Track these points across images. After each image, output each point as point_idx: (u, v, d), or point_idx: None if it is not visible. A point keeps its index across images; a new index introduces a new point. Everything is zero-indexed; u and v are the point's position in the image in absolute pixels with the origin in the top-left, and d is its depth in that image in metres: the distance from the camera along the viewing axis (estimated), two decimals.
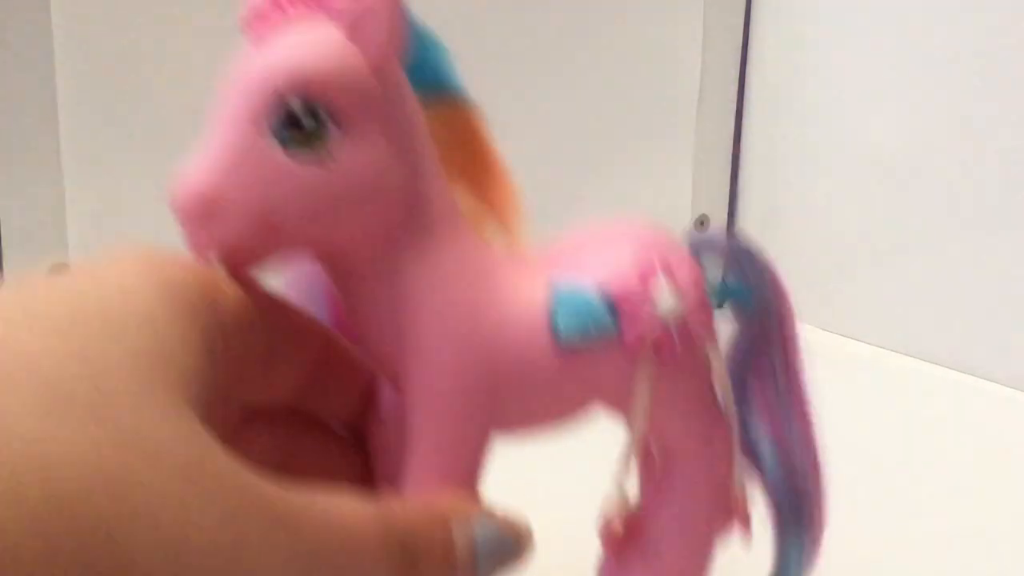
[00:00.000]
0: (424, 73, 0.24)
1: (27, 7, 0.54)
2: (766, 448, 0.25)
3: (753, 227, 0.78)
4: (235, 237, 0.21)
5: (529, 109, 0.68)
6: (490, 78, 0.67)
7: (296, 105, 0.21)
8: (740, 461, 0.25)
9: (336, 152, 0.21)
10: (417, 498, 0.23)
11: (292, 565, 0.18)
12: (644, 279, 0.23)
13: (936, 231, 0.64)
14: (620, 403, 0.24)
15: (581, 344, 0.23)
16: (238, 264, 0.22)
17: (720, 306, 0.25)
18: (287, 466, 0.22)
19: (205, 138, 0.22)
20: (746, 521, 0.26)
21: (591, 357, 0.23)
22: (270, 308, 0.23)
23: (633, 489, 0.26)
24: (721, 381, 0.25)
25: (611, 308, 0.23)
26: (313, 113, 0.21)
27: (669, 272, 0.23)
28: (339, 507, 0.20)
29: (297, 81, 0.21)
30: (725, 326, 0.25)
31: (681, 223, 0.77)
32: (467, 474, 0.23)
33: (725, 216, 0.79)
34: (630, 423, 0.24)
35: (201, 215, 0.22)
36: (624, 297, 0.23)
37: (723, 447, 0.25)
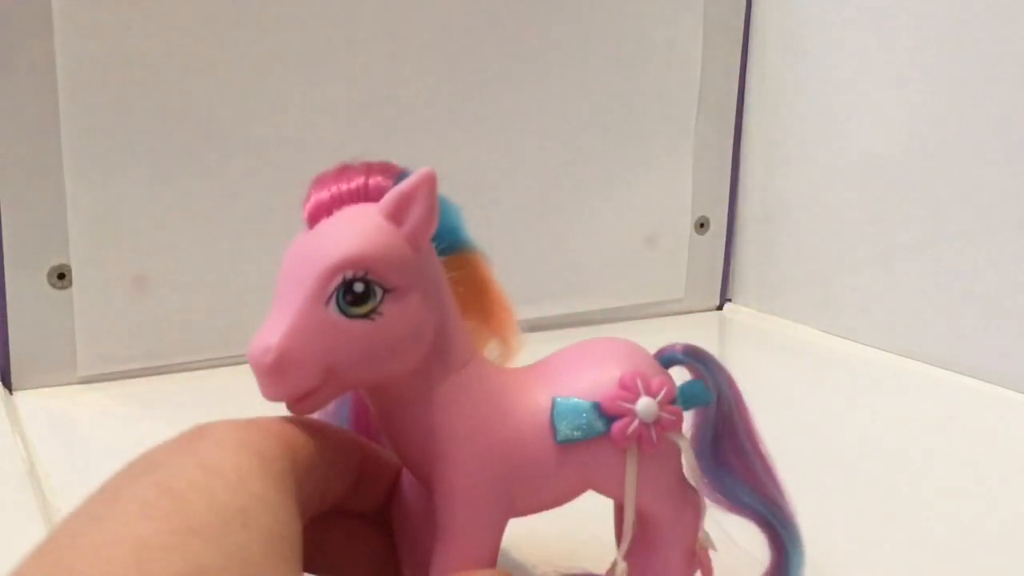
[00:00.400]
0: (443, 233, 0.30)
1: (29, 13, 0.54)
2: (753, 499, 0.33)
3: (753, 229, 0.78)
4: (302, 387, 0.27)
5: (529, 111, 0.68)
6: (491, 80, 0.67)
7: (351, 278, 0.27)
8: (704, 523, 0.32)
9: (383, 310, 0.27)
10: None
11: None
12: (629, 391, 0.30)
13: (936, 233, 0.64)
14: (609, 486, 0.31)
15: (576, 441, 0.30)
16: (302, 406, 0.27)
17: (686, 408, 0.31)
18: (321, 552, 0.29)
19: (275, 307, 0.28)
20: (708, 570, 0.33)
21: (585, 452, 0.30)
22: (322, 438, 0.28)
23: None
24: (689, 462, 0.31)
25: (600, 414, 0.30)
26: (365, 283, 0.27)
27: (647, 385, 0.30)
28: None
29: (353, 261, 0.27)
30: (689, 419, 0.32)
31: (682, 225, 0.77)
32: (489, 554, 0.29)
33: (725, 218, 0.79)
34: (625, 501, 0.30)
35: (275, 371, 0.26)
36: (613, 406, 0.30)
37: (693, 513, 0.32)
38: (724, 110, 0.76)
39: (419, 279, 0.28)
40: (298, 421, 0.28)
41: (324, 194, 0.29)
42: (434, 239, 0.29)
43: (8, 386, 0.57)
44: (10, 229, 0.56)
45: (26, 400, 0.56)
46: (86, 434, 0.54)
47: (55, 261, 0.57)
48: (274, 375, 0.26)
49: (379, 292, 0.27)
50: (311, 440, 0.27)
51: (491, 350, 0.32)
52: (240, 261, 0.61)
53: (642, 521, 0.31)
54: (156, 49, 0.57)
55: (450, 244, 0.30)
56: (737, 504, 0.33)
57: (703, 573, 0.33)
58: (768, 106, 0.76)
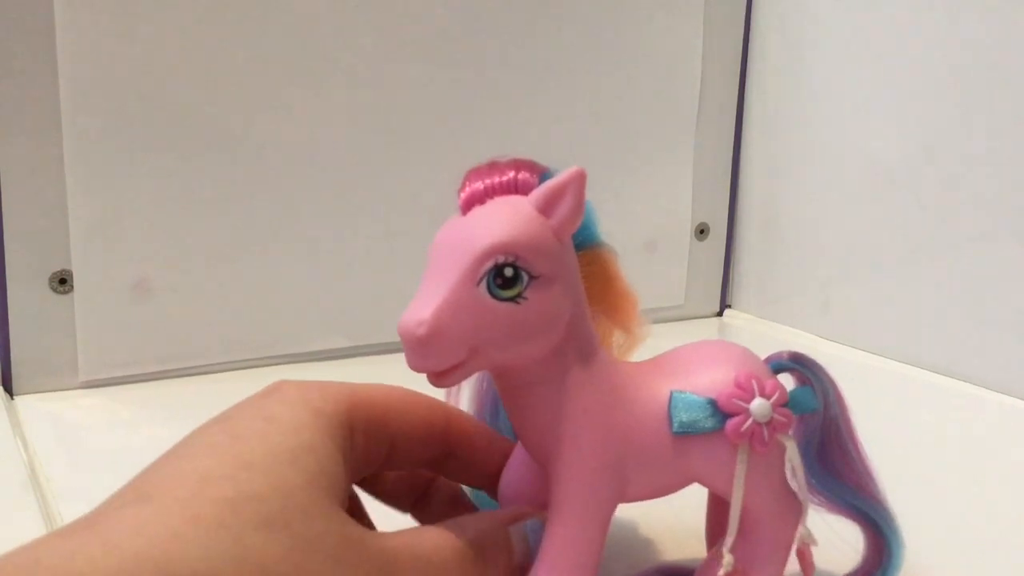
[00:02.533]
0: (581, 232, 0.32)
1: (31, 18, 0.54)
2: (857, 499, 0.35)
3: (753, 236, 0.78)
4: (448, 361, 0.29)
5: (530, 116, 0.69)
6: (490, 86, 0.67)
7: (502, 262, 0.29)
8: (804, 521, 0.34)
9: (528, 295, 0.29)
10: (482, 514, 0.32)
11: None
12: (744, 391, 0.32)
13: (935, 240, 0.64)
14: (716, 481, 0.32)
15: (691, 434, 0.31)
16: (443, 380, 0.30)
17: (797, 413, 0.33)
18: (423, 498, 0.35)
19: (426, 283, 0.29)
20: (810, 567, 0.34)
21: (699, 445, 0.31)
22: (394, 406, 0.32)
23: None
24: (794, 463, 0.33)
25: (716, 410, 0.31)
26: (515, 268, 0.29)
27: (761, 387, 0.32)
28: (428, 539, 0.29)
29: (506, 247, 0.29)
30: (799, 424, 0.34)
31: (682, 231, 0.77)
32: (599, 534, 0.31)
33: (725, 224, 0.79)
34: (732, 497, 0.32)
35: (425, 345, 0.28)
36: (728, 404, 0.31)
37: (793, 513, 0.33)
38: (724, 117, 0.77)
39: (562, 269, 0.30)
40: (371, 389, 0.32)
41: (479, 184, 0.31)
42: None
43: (9, 391, 0.57)
44: (12, 234, 0.56)
45: (27, 404, 0.56)
46: (87, 439, 0.54)
47: (56, 266, 0.57)
48: (424, 348, 0.28)
49: (526, 278, 0.29)
50: (377, 405, 0.31)
51: (616, 340, 0.35)
52: (241, 266, 0.62)
53: (743, 516, 0.33)
54: (158, 55, 0.58)
55: (584, 239, 0.33)
56: (842, 504, 0.35)
57: (804, 569, 0.34)
58: (768, 113, 0.76)
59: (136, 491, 0.26)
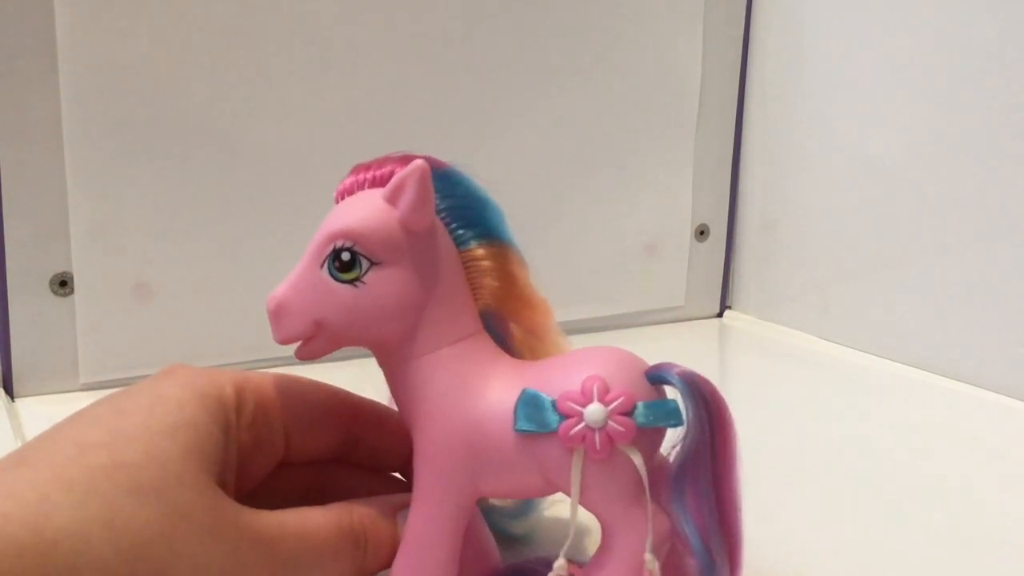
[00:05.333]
0: (476, 221, 0.33)
1: (32, 21, 0.54)
2: (692, 532, 0.32)
3: (753, 237, 0.78)
4: (296, 333, 0.32)
5: (529, 119, 0.69)
6: (491, 90, 0.67)
7: (340, 247, 0.31)
8: (652, 536, 0.31)
9: (367, 279, 0.32)
10: (376, 499, 0.33)
11: (272, 565, 0.29)
12: (583, 395, 0.31)
13: (935, 240, 0.65)
14: (562, 483, 0.32)
15: (531, 433, 0.31)
16: (302, 352, 0.32)
17: (645, 425, 0.31)
18: (323, 495, 0.33)
19: (293, 270, 0.32)
20: None
21: (539, 445, 0.31)
22: (292, 395, 0.34)
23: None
24: (640, 474, 0.31)
25: (555, 411, 0.31)
26: (352, 253, 0.31)
27: (603, 392, 0.31)
28: (308, 518, 0.31)
29: (344, 233, 0.31)
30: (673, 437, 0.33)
31: (682, 233, 0.77)
32: (452, 522, 0.32)
33: (725, 226, 0.79)
34: (571, 496, 0.31)
35: (274, 317, 0.32)
36: (563, 406, 0.31)
37: (640, 524, 0.32)
38: (724, 118, 0.77)
39: (407, 258, 0.32)
40: (264, 376, 0.34)
41: (350, 179, 0.33)
42: (466, 224, 0.33)
43: (10, 393, 0.57)
44: (12, 236, 0.56)
45: (28, 407, 0.56)
46: None
47: (57, 269, 0.57)
48: (275, 320, 0.32)
49: (364, 263, 0.31)
50: (267, 391, 0.33)
51: (535, 349, 0.35)
52: (241, 269, 0.62)
53: (602, 526, 0.32)
54: (158, 58, 0.58)
55: (483, 233, 0.33)
56: (682, 535, 0.33)
57: None
58: (768, 114, 0.76)
59: (15, 458, 0.27)
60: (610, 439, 0.31)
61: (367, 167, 0.33)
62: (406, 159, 0.32)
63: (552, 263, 0.73)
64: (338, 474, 0.36)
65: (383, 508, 0.33)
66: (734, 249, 0.80)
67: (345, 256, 0.31)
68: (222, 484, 0.29)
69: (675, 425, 0.32)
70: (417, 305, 0.32)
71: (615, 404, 0.31)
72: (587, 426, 0.31)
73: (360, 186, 0.33)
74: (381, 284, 0.32)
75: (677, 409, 0.32)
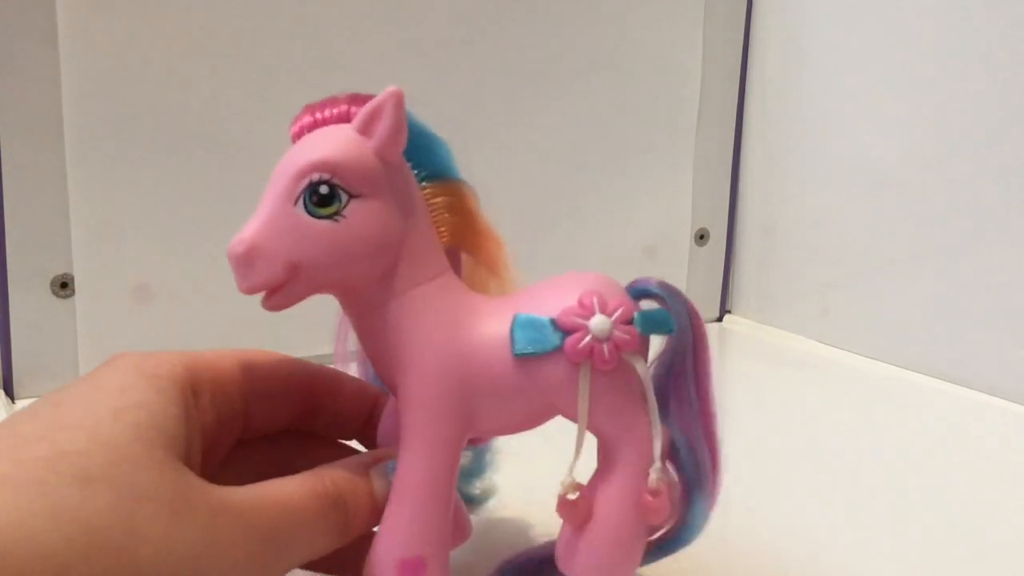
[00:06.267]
0: (427, 159, 0.32)
1: (34, 24, 0.54)
2: (679, 439, 0.33)
3: (752, 241, 0.78)
4: (270, 279, 0.29)
5: (530, 123, 0.69)
6: (491, 93, 0.67)
7: (317, 180, 0.29)
8: (659, 446, 0.32)
9: (347, 213, 0.29)
10: (345, 460, 0.31)
11: (252, 546, 0.27)
12: (584, 308, 0.31)
13: (934, 245, 0.65)
14: (567, 405, 0.31)
15: (532, 354, 0.30)
16: (274, 301, 0.30)
17: (645, 333, 0.31)
18: (286, 468, 0.31)
19: (256, 211, 0.30)
20: (660, 506, 0.32)
21: (542, 367, 0.30)
22: (248, 367, 0.32)
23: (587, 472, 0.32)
24: (644, 382, 0.31)
25: (556, 328, 0.30)
26: (330, 186, 0.29)
27: (603, 304, 0.31)
28: (282, 488, 0.29)
29: (319, 164, 0.29)
30: (655, 349, 0.33)
31: (681, 236, 0.77)
32: (448, 467, 0.31)
33: (725, 230, 0.79)
34: (578, 417, 0.31)
35: (245, 262, 0.29)
36: (566, 322, 0.30)
37: (645, 434, 0.32)
38: (724, 122, 0.77)
39: (386, 189, 0.30)
40: (214, 353, 0.32)
41: (308, 118, 0.31)
42: (417, 163, 0.32)
43: (11, 395, 0.57)
44: (13, 238, 0.56)
45: None
46: None
47: (58, 270, 0.57)
48: (244, 266, 0.29)
49: (344, 196, 0.29)
50: (220, 366, 0.31)
51: (486, 284, 0.34)
52: None
53: (601, 443, 0.32)
54: (159, 60, 0.58)
55: (434, 171, 0.32)
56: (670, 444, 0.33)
57: (654, 508, 0.32)
58: (768, 118, 0.76)
59: None
60: (617, 349, 0.30)
61: (320, 107, 0.32)
62: (356, 97, 0.31)
63: (552, 266, 0.73)
64: (298, 447, 0.34)
65: (354, 468, 0.31)
66: (734, 253, 0.80)
67: (323, 189, 0.29)
68: (188, 464, 0.27)
69: (668, 332, 0.32)
70: (397, 239, 0.30)
71: (617, 314, 0.31)
72: (594, 338, 0.30)
73: (320, 124, 0.31)
74: (362, 217, 0.29)
75: (670, 317, 0.32)
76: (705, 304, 0.79)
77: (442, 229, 0.32)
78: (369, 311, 0.31)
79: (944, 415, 0.61)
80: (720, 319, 0.80)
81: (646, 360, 0.32)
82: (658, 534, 0.34)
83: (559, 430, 0.32)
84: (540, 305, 0.31)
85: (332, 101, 0.31)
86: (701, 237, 0.78)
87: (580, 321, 0.30)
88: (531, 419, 0.32)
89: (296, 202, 0.29)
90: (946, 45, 0.63)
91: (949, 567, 0.42)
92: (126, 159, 0.58)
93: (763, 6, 0.75)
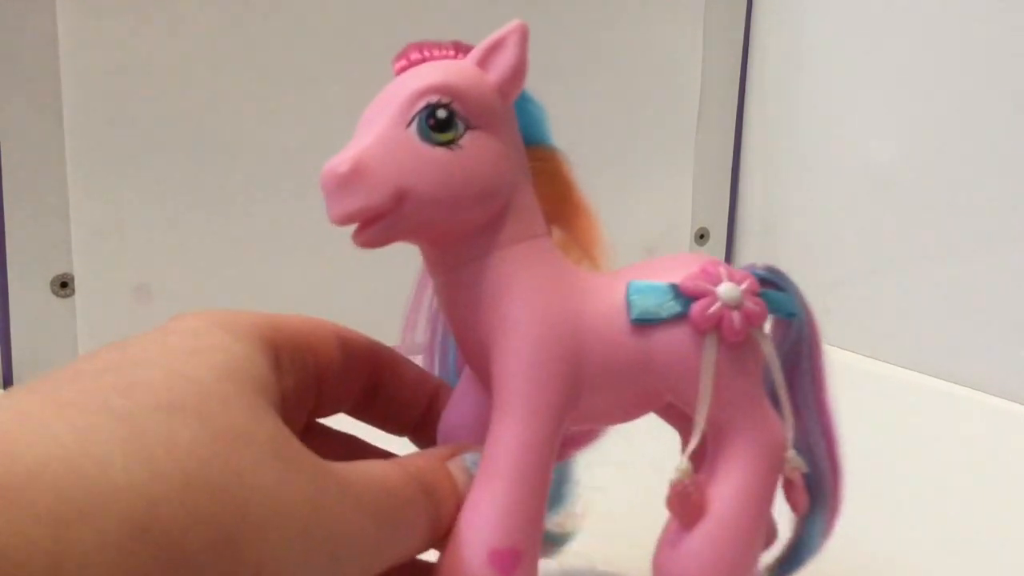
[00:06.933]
0: (527, 123, 0.30)
1: (34, 26, 0.54)
2: (796, 441, 0.30)
3: (753, 241, 0.78)
4: (372, 203, 0.26)
5: None
6: None
7: (436, 103, 0.26)
8: (791, 430, 0.29)
9: (464, 144, 0.27)
10: (419, 452, 0.28)
11: (361, 511, 0.23)
12: (709, 275, 0.28)
13: (933, 245, 0.65)
14: (683, 381, 0.28)
15: (652, 320, 0.27)
16: (369, 233, 0.26)
17: (774, 311, 0.29)
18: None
19: (355, 136, 0.27)
20: (799, 495, 0.30)
21: (662, 337, 0.27)
22: (315, 332, 0.28)
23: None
24: (771, 361, 0.29)
25: (679, 294, 0.28)
26: (449, 111, 0.26)
27: (730, 274, 0.28)
28: (376, 469, 0.25)
29: (440, 87, 0.27)
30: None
31: (682, 236, 0.77)
32: (547, 444, 0.27)
33: (725, 229, 0.79)
34: (699, 395, 0.28)
35: (347, 182, 0.26)
36: (693, 286, 0.28)
37: (769, 420, 0.29)
38: (724, 122, 0.77)
39: (503, 127, 0.28)
40: (290, 316, 0.28)
41: (415, 54, 0.29)
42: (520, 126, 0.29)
43: None
44: (13, 238, 0.56)
45: None
46: None
47: (58, 270, 0.57)
48: (346, 187, 0.26)
49: (461, 125, 0.27)
50: (301, 331, 0.28)
51: (578, 264, 0.31)
52: (241, 270, 0.62)
53: (713, 433, 0.28)
54: (159, 60, 0.58)
55: (533, 136, 0.30)
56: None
57: (793, 502, 0.30)
58: (768, 118, 0.76)
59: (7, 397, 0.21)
60: (748, 320, 0.28)
61: (427, 45, 0.29)
62: (460, 44, 0.29)
63: None
64: (354, 451, 0.31)
65: (430, 460, 0.27)
66: (734, 252, 0.80)
67: (441, 113, 0.26)
68: (280, 414, 0.24)
69: (790, 315, 0.30)
70: (510, 184, 0.28)
71: (746, 284, 0.28)
72: (724, 305, 0.27)
73: (428, 59, 0.29)
74: (479, 150, 0.27)
75: (793, 300, 0.30)
76: None
77: (539, 196, 0.29)
78: (466, 264, 0.28)
79: (944, 414, 0.61)
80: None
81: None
82: (772, 552, 0.31)
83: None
84: (653, 276, 0.28)
85: (437, 44, 0.29)
86: (701, 236, 0.78)
87: (707, 286, 0.28)
88: (637, 405, 0.29)
89: (409, 125, 0.26)
90: (946, 44, 0.63)
91: (948, 565, 0.42)
92: (126, 159, 0.58)
93: (763, 6, 0.75)
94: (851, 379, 0.69)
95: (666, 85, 0.74)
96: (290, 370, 0.26)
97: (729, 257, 0.79)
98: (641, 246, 0.75)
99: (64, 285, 0.57)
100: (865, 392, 0.65)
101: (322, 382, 0.28)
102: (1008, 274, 0.60)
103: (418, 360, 0.32)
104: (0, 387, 0.57)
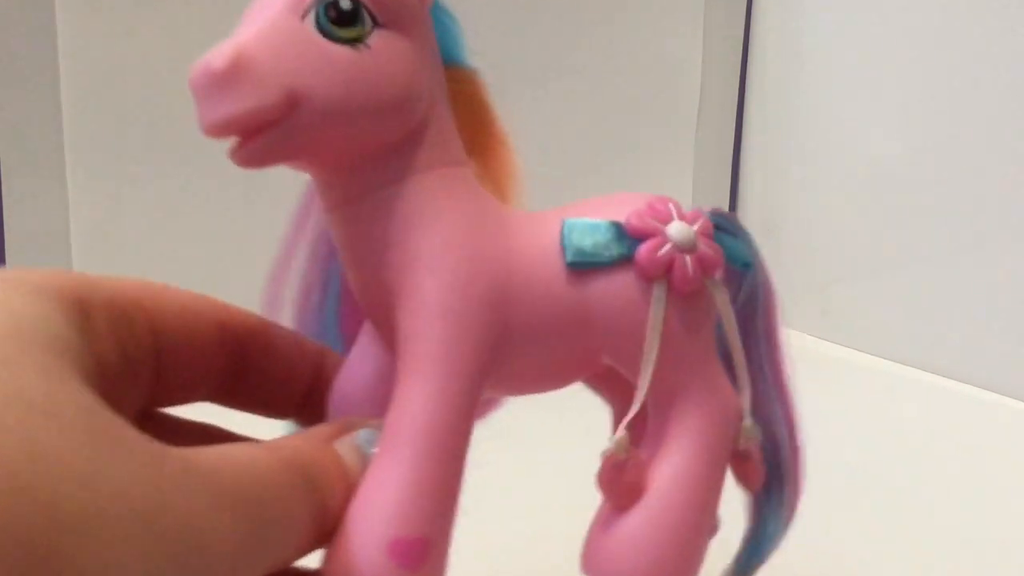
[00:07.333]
0: (443, 41, 0.25)
1: (33, 21, 0.54)
2: (759, 417, 0.26)
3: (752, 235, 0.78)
4: (258, 104, 0.21)
5: (529, 118, 0.69)
6: (490, 86, 0.67)
7: None
8: (747, 398, 0.25)
9: (372, 43, 0.22)
10: (300, 432, 0.23)
11: (217, 504, 0.18)
12: (658, 213, 0.24)
13: (933, 240, 0.65)
14: (625, 337, 0.23)
15: (591, 262, 0.23)
16: (252, 147, 0.22)
17: (729, 260, 0.25)
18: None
19: (238, 29, 0.22)
20: (754, 471, 0.26)
21: (602, 284, 0.23)
22: (155, 298, 0.23)
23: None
24: (726, 316, 0.25)
25: (623, 234, 0.24)
26: (354, 2, 0.22)
27: (680, 212, 0.24)
28: (239, 453, 0.20)
29: None
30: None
31: None
32: (468, 403, 0.22)
33: None
34: (644, 352, 0.23)
35: (229, 76, 0.21)
36: (639, 224, 0.23)
37: (720, 385, 0.25)
38: (724, 118, 0.77)
39: (419, 32, 0.23)
40: (119, 278, 0.23)
41: None
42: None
43: None
44: (13, 235, 0.56)
45: None
46: None
47: (57, 267, 0.57)
48: (224, 85, 0.21)
49: (369, 21, 0.22)
50: (126, 291, 0.22)
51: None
52: (242, 266, 0.62)
53: (661, 400, 0.24)
54: (159, 59, 0.58)
55: (448, 53, 0.25)
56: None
57: (745, 479, 0.26)
58: (768, 116, 0.76)
59: None
60: (702, 266, 0.24)
61: None
62: None
63: None
64: (223, 438, 0.25)
65: (312, 441, 0.22)
66: None
67: (345, 4, 0.21)
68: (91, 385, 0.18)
69: (747, 268, 0.26)
70: (427, 98, 0.23)
71: (699, 224, 0.24)
72: (675, 247, 0.23)
73: None
74: (390, 53, 0.22)
75: (749, 249, 0.26)
76: None
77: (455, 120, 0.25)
78: (371, 193, 0.23)
79: (944, 411, 0.61)
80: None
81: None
82: (725, 546, 0.26)
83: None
84: (592, 213, 0.24)
85: None
86: None
87: (656, 224, 0.23)
88: (568, 368, 0.24)
89: (305, 16, 0.22)
90: (946, 42, 0.63)
91: (947, 563, 0.42)
92: (126, 155, 0.58)
93: (763, 3, 0.75)
94: (850, 375, 0.69)
95: (666, 79, 0.73)
96: (108, 335, 0.21)
97: None
98: None
99: None
100: (864, 389, 0.65)
101: (162, 355, 0.23)
102: (1008, 271, 0.60)
103: (287, 323, 0.27)
104: None
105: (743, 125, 0.77)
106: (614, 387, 0.26)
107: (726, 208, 0.77)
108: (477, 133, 0.26)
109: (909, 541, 0.44)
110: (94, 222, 0.57)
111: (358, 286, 0.24)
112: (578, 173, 0.71)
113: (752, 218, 0.78)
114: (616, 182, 0.74)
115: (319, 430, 0.23)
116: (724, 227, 0.26)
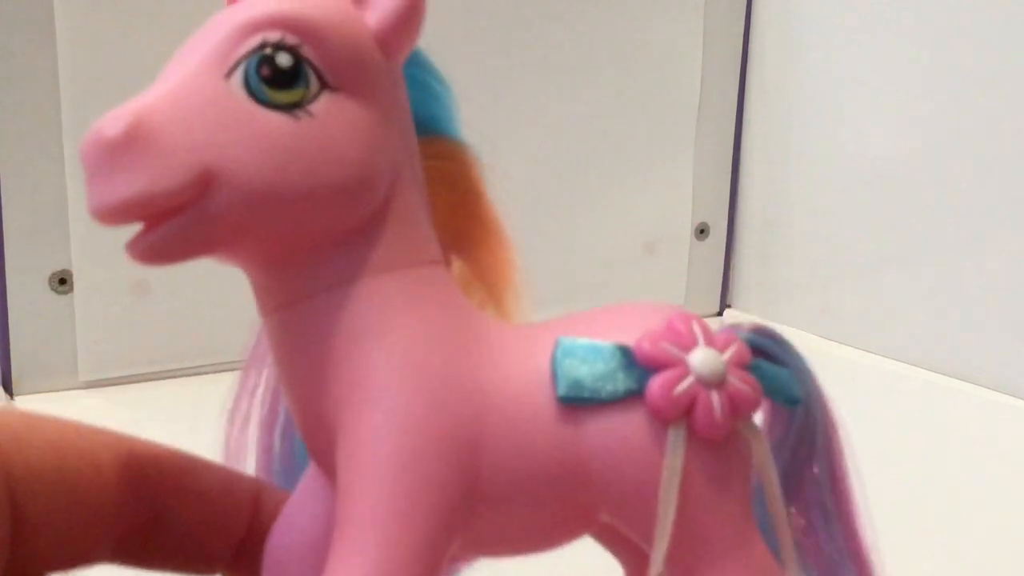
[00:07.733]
0: (427, 108, 0.21)
1: (32, 19, 0.54)
2: (810, 573, 0.21)
3: (753, 236, 0.78)
4: (162, 182, 0.16)
5: (530, 118, 0.69)
6: (490, 87, 0.67)
7: (275, 42, 0.17)
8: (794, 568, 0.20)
9: (316, 109, 0.17)
10: None
11: None
12: (678, 336, 0.19)
13: (934, 239, 0.64)
14: (633, 496, 0.18)
15: (589, 400, 0.18)
16: (156, 238, 0.18)
17: (769, 393, 0.20)
18: None
19: (153, 85, 0.18)
20: None
21: (603, 420, 0.18)
22: (19, 442, 0.18)
23: None
24: (766, 470, 0.19)
25: (632, 362, 0.18)
26: (296, 58, 0.17)
27: (708, 335, 0.19)
28: None
29: (283, 19, 0.17)
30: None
31: (682, 231, 0.77)
32: (427, 551, 0.17)
33: (725, 224, 0.79)
34: (657, 517, 0.18)
35: (125, 148, 0.16)
36: (652, 351, 0.18)
37: (768, 567, 0.19)
38: (724, 116, 0.77)
39: (381, 95, 0.18)
40: (41, 420, 0.19)
41: None
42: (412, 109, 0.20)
43: (9, 391, 0.57)
44: (12, 234, 0.56)
45: (27, 405, 0.56)
46: None
47: (56, 266, 0.57)
48: (119, 157, 0.17)
49: (314, 81, 0.17)
50: (44, 437, 0.19)
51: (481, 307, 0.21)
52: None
53: (677, 562, 0.19)
54: (158, 55, 0.57)
55: (430, 122, 0.21)
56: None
57: None
58: (768, 112, 0.76)
59: None
60: (733, 406, 0.18)
61: None
62: None
63: (552, 262, 0.73)
64: None
65: None
66: (734, 248, 0.79)
67: (283, 60, 0.17)
68: None
69: (794, 404, 0.21)
70: (386, 178, 0.18)
71: (731, 351, 0.19)
72: (699, 380, 0.18)
73: None
74: (339, 121, 0.17)
75: (798, 379, 0.21)
76: (705, 299, 0.79)
77: (434, 206, 0.20)
78: (311, 297, 0.18)
79: (945, 410, 0.61)
80: (720, 314, 0.80)
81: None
82: None
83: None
84: (597, 331, 0.19)
85: None
86: (701, 231, 0.78)
87: (675, 352, 0.18)
88: (558, 527, 0.19)
89: (230, 74, 0.17)
90: (946, 41, 0.63)
91: (948, 561, 0.42)
92: None
93: (763, 2, 0.75)
94: (851, 374, 0.70)
95: (666, 79, 0.73)
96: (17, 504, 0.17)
97: (730, 251, 0.79)
98: (641, 241, 0.75)
99: (63, 282, 0.57)
100: (864, 387, 0.65)
101: (19, 510, 0.17)
102: (1008, 269, 0.60)
103: (247, 466, 0.22)
104: (0, 385, 0.57)
105: (743, 121, 0.77)
106: (625, 544, 0.21)
107: (726, 208, 0.78)
108: (463, 223, 0.21)
109: (910, 539, 0.44)
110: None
111: (294, 412, 0.19)
112: (578, 170, 0.71)
113: (753, 214, 0.78)
114: (616, 182, 0.74)
115: None
116: (766, 351, 0.21)
